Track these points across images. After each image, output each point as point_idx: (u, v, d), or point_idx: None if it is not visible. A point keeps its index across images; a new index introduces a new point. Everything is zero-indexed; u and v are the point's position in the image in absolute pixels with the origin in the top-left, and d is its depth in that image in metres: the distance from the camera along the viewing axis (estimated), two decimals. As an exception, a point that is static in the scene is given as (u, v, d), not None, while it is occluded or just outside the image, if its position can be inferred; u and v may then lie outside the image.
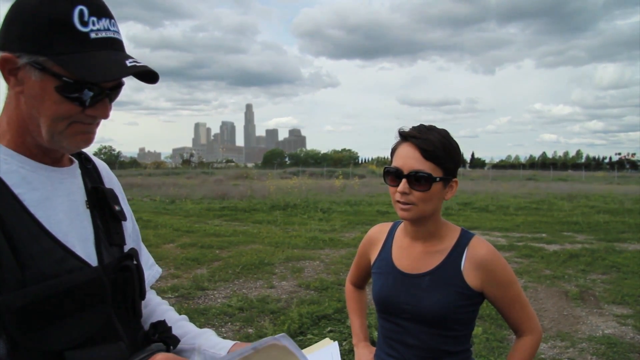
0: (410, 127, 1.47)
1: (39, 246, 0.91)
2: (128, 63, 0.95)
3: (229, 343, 1.20)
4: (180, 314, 1.32)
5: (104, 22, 0.95)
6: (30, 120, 0.96)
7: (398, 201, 1.45)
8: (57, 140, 0.97)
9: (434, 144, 1.40)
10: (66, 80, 0.92)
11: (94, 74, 0.91)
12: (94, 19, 0.94)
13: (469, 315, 1.50)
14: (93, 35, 0.93)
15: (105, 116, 1.00)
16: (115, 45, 0.97)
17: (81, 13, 0.92)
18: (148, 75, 0.99)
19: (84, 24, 0.92)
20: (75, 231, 1.01)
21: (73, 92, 0.93)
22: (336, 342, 1.23)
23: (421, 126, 1.46)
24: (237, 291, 6.08)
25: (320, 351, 1.23)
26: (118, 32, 0.99)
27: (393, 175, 1.45)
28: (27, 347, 0.87)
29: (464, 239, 1.51)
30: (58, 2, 0.91)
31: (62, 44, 0.91)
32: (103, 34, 0.95)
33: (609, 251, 8.54)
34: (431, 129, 1.45)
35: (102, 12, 0.95)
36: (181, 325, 1.24)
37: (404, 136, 1.46)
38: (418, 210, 1.44)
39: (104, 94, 0.98)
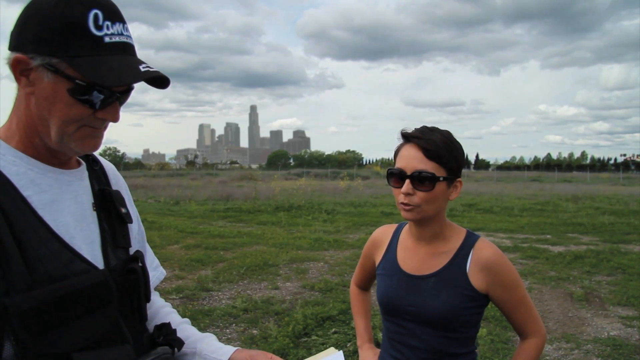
0: (414, 128, 1.47)
1: (47, 249, 0.92)
2: (142, 68, 0.97)
3: (231, 349, 1.20)
4: (184, 316, 1.33)
5: (118, 27, 0.97)
6: (40, 121, 0.97)
7: (402, 202, 1.45)
8: (66, 142, 0.98)
9: (436, 143, 1.40)
10: (79, 82, 0.93)
11: (107, 77, 0.93)
12: (108, 23, 0.95)
13: (474, 317, 1.50)
14: (107, 39, 0.95)
15: (115, 119, 1.01)
16: (128, 50, 0.99)
17: (96, 17, 0.93)
18: (159, 80, 1.01)
19: (99, 27, 0.93)
20: (81, 234, 1.02)
21: (85, 94, 0.94)
22: (341, 352, 1.23)
23: (424, 127, 1.46)
24: (241, 292, 6.08)
25: (331, 358, 1.23)
26: (130, 37, 1.00)
27: (397, 176, 1.45)
28: (34, 349, 0.87)
29: (469, 241, 1.51)
30: (73, 5, 0.92)
31: (76, 47, 0.92)
32: (117, 39, 0.96)
33: (614, 253, 8.51)
34: (434, 129, 1.45)
35: (116, 17, 0.97)
36: (183, 328, 1.25)
37: (407, 137, 1.46)
38: (422, 211, 1.44)
39: (115, 97, 0.99)
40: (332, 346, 1.26)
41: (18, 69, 0.93)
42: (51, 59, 0.92)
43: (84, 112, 0.96)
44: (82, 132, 0.99)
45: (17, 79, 0.95)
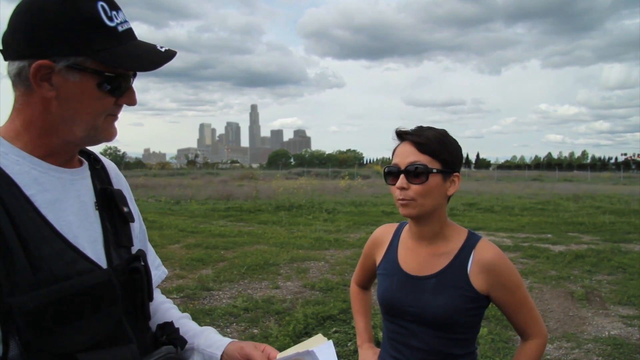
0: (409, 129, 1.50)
1: (51, 248, 0.92)
2: (161, 49, 1.01)
3: (226, 341, 1.20)
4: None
5: (121, 15, 0.99)
6: (63, 121, 0.98)
7: (398, 198, 1.47)
8: (92, 135, 1.01)
9: (428, 137, 1.43)
10: (108, 75, 0.96)
11: (141, 64, 0.98)
12: (115, 12, 0.98)
13: (474, 318, 1.50)
14: (120, 28, 0.98)
15: (135, 102, 1.05)
16: (134, 34, 1.03)
17: (104, 9, 0.95)
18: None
19: (110, 18, 0.96)
20: (84, 233, 1.02)
21: (113, 85, 0.97)
22: (331, 341, 1.22)
23: (418, 127, 1.50)
24: (242, 292, 6.09)
25: (319, 347, 1.22)
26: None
27: (393, 174, 1.47)
28: (39, 349, 0.87)
29: (470, 241, 1.51)
30: (79, 1, 0.93)
31: (98, 42, 0.94)
32: (125, 26, 1.00)
33: (615, 252, 8.50)
34: (428, 128, 1.49)
35: (116, 5, 0.99)
36: (182, 323, 1.25)
37: (400, 135, 1.49)
38: (418, 205, 1.45)
39: (131, 81, 1.03)
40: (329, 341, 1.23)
41: (39, 76, 0.93)
42: (76, 58, 0.93)
43: (109, 102, 1.00)
44: (108, 121, 1.03)
45: (37, 86, 0.94)
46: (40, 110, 0.97)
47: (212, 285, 6.31)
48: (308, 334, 4.59)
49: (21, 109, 0.98)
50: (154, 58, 0.99)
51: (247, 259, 7.74)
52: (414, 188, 1.43)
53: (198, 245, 8.96)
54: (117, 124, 1.06)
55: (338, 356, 1.23)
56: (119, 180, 1.23)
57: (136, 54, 0.98)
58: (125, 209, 1.15)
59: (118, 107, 1.03)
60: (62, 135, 0.99)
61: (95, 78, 0.95)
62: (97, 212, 1.09)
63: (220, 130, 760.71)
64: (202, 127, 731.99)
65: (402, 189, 1.44)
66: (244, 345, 1.18)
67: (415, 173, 1.42)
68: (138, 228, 1.24)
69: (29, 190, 0.94)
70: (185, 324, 1.26)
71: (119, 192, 1.17)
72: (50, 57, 0.92)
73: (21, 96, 0.97)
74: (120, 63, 0.95)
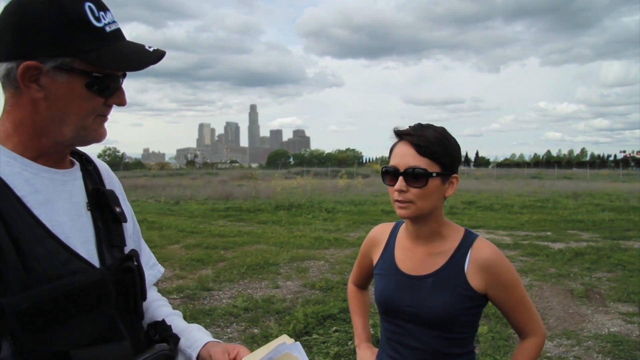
0: (408, 126, 1.47)
1: (44, 248, 0.92)
2: (149, 49, 1.01)
3: (202, 342, 1.19)
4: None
5: (109, 15, 0.99)
6: (52, 122, 0.98)
7: (396, 200, 1.45)
8: (82, 136, 1.01)
9: (428, 139, 1.40)
10: (96, 75, 0.96)
11: (128, 64, 0.98)
12: (102, 13, 0.98)
13: (472, 317, 1.49)
14: (107, 29, 0.98)
15: (125, 102, 1.05)
16: (123, 35, 1.02)
17: (91, 9, 0.95)
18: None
19: (97, 19, 0.96)
20: (77, 233, 1.02)
21: (101, 85, 0.97)
22: (298, 343, 1.20)
23: (417, 124, 1.46)
24: (242, 291, 6.09)
25: (293, 344, 1.19)
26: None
27: (391, 174, 1.44)
28: (32, 348, 0.88)
29: (467, 240, 1.49)
30: (67, 2, 0.92)
31: (85, 42, 0.94)
32: (113, 27, 1.00)
33: (614, 249, 8.52)
34: (427, 126, 1.45)
35: (104, 6, 0.99)
36: (169, 320, 1.24)
37: (399, 135, 1.46)
38: (416, 207, 1.43)
39: (121, 82, 1.03)
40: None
41: (27, 77, 0.92)
42: (64, 59, 0.93)
43: (98, 103, 0.99)
44: (97, 121, 1.02)
45: (25, 87, 0.94)
46: (30, 111, 0.97)
47: (212, 285, 6.31)
48: (308, 334, 4.59)
49: (11, 110, 0.98)
50: (141, 58, 1.00)
51: (247, 258, 7.74)
52: (413, 191, 1.41)
53: (198, 246, 8.96)
54: (108, 124, 1.06)
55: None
56: (111, 180, 1.23)
57: (124, 54, 0.98)
58: (118, 209, 1.15)
59: (107, 108, 1.03)
60: (52, 136, 0.99)
61: (83, 78, 0.95)
62: (89, 213, 1.09)
63: (219, 130, 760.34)
64: (201, 127, 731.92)
65: (400, 191, 1.42)
66: (214, 352, 1.16)
67: (414, 176, 1.40)
68: (131, 228, 1.24)
69: (21, 192, 0.94)
70: (172, 321, 1.25)
71: (111, 192, 1.17)
72: (37, 58, 0.92)
73: (10, 98, 0.97)
74: (108, 63, 0.96)
